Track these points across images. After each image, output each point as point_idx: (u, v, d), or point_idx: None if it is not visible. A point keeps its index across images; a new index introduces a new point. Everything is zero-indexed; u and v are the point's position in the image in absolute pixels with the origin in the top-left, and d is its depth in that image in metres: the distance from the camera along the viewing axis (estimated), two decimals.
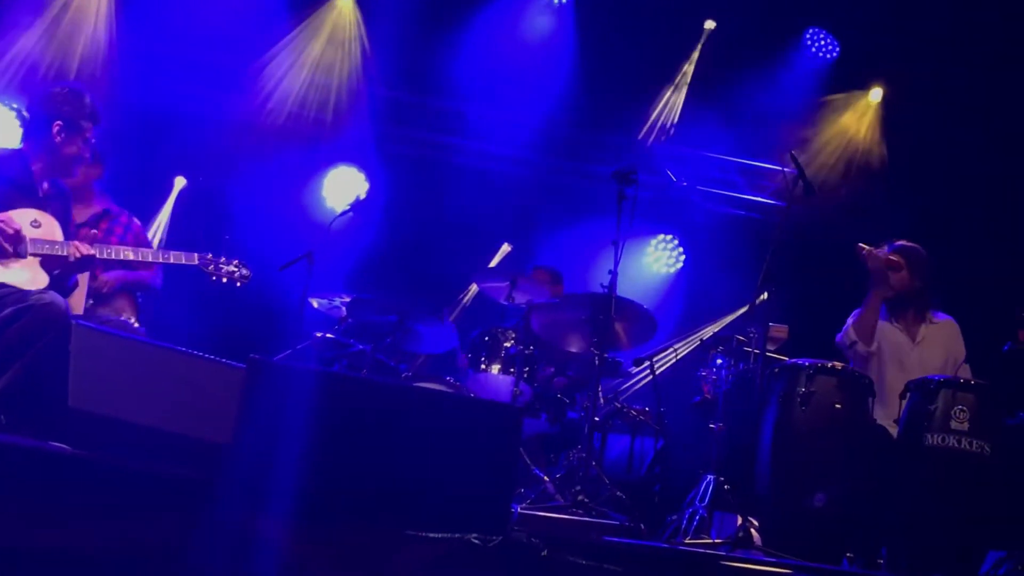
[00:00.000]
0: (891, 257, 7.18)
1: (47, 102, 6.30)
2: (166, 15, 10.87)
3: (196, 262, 6.45)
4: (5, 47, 10.40)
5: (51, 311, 5.61)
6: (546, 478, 7.68)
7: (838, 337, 7.25)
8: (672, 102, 12.10)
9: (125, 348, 5.09)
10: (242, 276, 6.56)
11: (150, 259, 6.47)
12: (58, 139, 6.21)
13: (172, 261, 6.44)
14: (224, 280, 6.51)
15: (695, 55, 12.04)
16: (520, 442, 6.26)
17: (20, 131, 6.41)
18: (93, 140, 6.34)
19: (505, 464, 4.86)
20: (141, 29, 10.97)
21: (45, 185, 6.27)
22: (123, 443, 4.73)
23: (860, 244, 7.08)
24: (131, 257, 6.33)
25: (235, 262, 6.54)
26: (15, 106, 9.29)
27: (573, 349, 8.51)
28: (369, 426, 4.64)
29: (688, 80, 12.07)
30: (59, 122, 6.19)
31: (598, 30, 11.77)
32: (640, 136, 12.04)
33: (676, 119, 12.06)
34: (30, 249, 5.93)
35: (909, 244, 7.27)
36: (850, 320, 7.22)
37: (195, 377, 5.23)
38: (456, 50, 11.34)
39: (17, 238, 5.86)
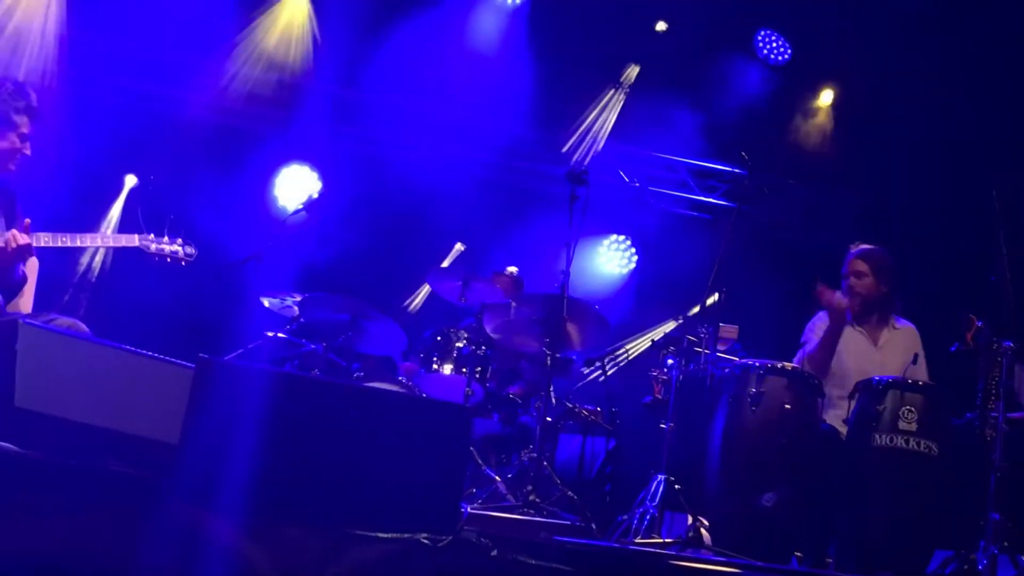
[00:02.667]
0: (857, 269, 7.12)
1: (7, 103, 6.24)
2: (117, 11, 10.78)
3: (136, 243, 6.32)
4: None
5: None
6: (497, 478, 7.69)
7: (795, 360, 7.23)
8: (613, 104, 12.14)
9: (72, 347, 5.04)
10: (187, 255, 6.41)
11: (88, 243, 6.39)
12: (17, 140, 6.17)
13: (112, 244, 6.37)
14: (168, 260, 6.37)
15: (642, 57, 12.09)
16: (470, 442, 6.26)
17: None
18: (27, 133, 6.25)
19: (455, 464, 4.85)
20: (91, 26, 10.88)
21: None
22: (71, 443, 4.69)
23: (821, 285, 6.93)
24: (68, 244, 6.24)
25: (178, 240, 6.42)
26: None
27: (525, 350, 8.51)
28: (320, 426, 4.62)
29: (633, 81, 12.12)
30: (20, 124, 6.14)
31: (552, 30, 11.79)
32: (567, 146, 12.06)
33: (610, 125, 12.10)
34: None
35: (874, 248, 7.20)
36: (806, 340, 7.18)
37: (143, 376, 5.18)
38: (408, 48, 11.32)
39: None
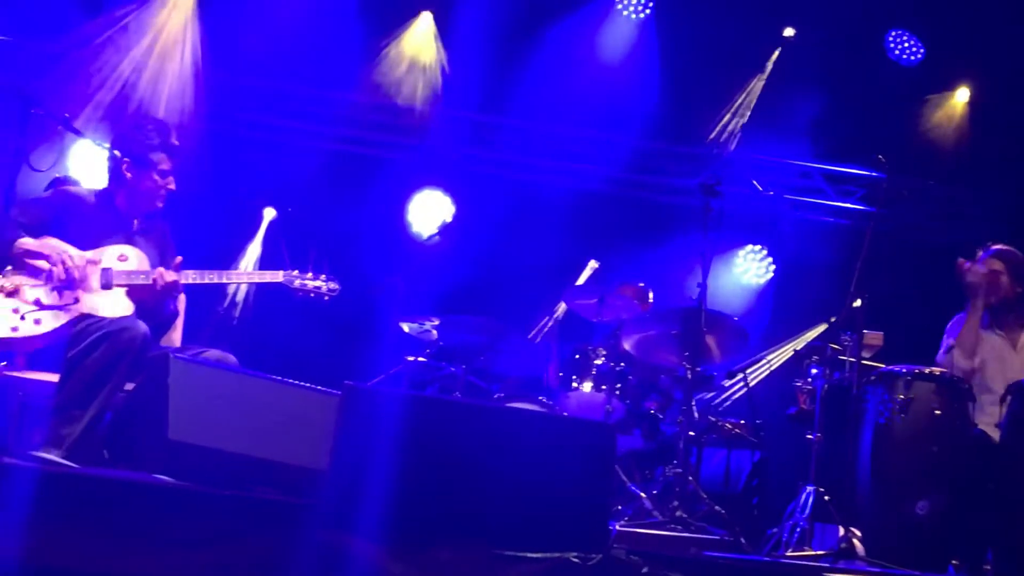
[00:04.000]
0: (993, 268, 7.05)
1: (117, 139, 6.42)
2: (250, 48, 11.03)
3: (280, 279, 6.43)
4: (96, 87, 10.60)
5: (126, 336, 5.72)
6: (643, 495, 7.64)
7: (938, 357, 7.13)
8: (743, 112, 12.03)
9: (220, 379, 5.15)
10: (330, 290, 6.47)
11: (232, 280, 6.51)
12: (128, 175, 6.34)
13: (256, 280, 6.47)
14: (311, 295, 6.45)
15: (773, 61, 11.96)
16: (615, 459, 6.23)
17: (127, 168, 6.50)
18: (167, 170, 6.40)
19: (601, 481, 4.84)
20: (227, 63, 11.14)
21: (136, 220, 6.38)
22: (222, 473, 4.78)
23: (960, 260, 6.93)
24: (215, 280, 6.37)
25: (321, 276, 6.49)
26: (105, 145, 9.44)
27: (664, 364, 8.46)
28: (463, 448, 4.65)
29: (762, 86, 12.00)
30: (127, 159, 6.31)
31: (676, 42, 11.74)
32: (710, 139, 11.96)
33: (741, 134, 11.99)
34: (115, 281, 6.05)
35: (1008, 248, 7.12)
36: (947, 338, 7.10)
37: (290, 405, 5.28)
38: (537, 67, 11.36)
39: (76, 277, 5.96)
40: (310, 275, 6.44)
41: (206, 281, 6.32)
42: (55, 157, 6.13)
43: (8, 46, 10.75)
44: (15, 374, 6.35)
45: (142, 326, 5.84)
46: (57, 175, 8.44)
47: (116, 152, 6.32)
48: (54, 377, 5.82)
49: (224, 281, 6.48)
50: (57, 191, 6.67)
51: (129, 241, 6.24)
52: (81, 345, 5.70)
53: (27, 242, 5.93)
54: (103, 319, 5.84)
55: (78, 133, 6.24)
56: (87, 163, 9.57)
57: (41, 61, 10.57)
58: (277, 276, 6.44)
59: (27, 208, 6.08)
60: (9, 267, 5.91)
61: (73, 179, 8.75)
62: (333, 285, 6.50)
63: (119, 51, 10.81)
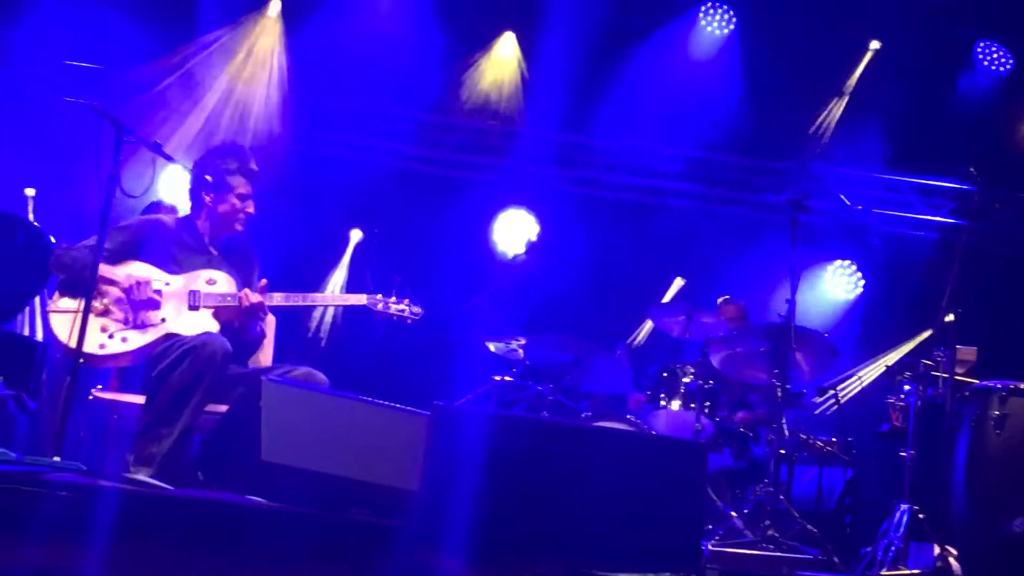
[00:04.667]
0: None
1: (198, 164, 6.55)
2: (336, 70, 11.15)
3: (364, 302, 6.48)
4: (186, 112, 10.78)
5: (207, 351, 5.82)
6: (733, 514, 7.58)
7: None
8: (831, 118, 11.92)
9: (312, 401, 5.20)
10: (413, 314, 6.48)
11: (317, 303, 6.56)
12: (208, 199, 6.45)
13: (340, 303, 6.52)
14: (394, 318, 6.49)
15: (858, 74, 11.85)
16: (707, 478, 6.18)
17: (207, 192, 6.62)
18: (245, 194, 6.49)
19: (693, 501, 4.81)
20: (312, 85, 11.28)
21: (218, 243, 6.49)
22: (314, 493, 4.82)
23: None
24: (300, 303, 6.44)
25: (405, 300, 6.52)
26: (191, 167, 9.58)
27: (753, 382, 8.40)
28: (552, 467, 4.65)
29: (848, 99, 11.90)
30: (206, 183, 6.42)
31: (761, 55, 11.67)
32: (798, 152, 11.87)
33: (829, 135, 11.89)
34: (202, 303, 6.17)
35: None
36: None
37: (379, 425, 5.31)
38: (616, 86, 11.37)
39: (149, 301, 6.08)
40: (394, 299, 6.47)
41: (291, 304, 6.39)
42: (147, 183, 6.21)
43: (99, 74, 10.96)
44: (108, 395, 6.45)
45: (222, 341, 5.94)
46: (151, 200, 8.60)
47: (201, 177, 6.43)
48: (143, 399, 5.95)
49: (309, 304, 6.54)
50: (142, 218, 6.80)
51: (210, 264, 6.34)
52: (164, 363, 5.83)
53: (103, 268, 6.06)
54: (186, 337, 5.95)
55: (169, 158, 6.34)
56: (178, 188, 9.71)
57: (132, 88, 10.76)
58: (361, 299, 6.49)
59: (113, 235, 6.20)
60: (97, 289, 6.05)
61: (167, 204, 8.90)
62: (416, 309, 6.52)
63: (208, 76, 10.98)
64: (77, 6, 10.73)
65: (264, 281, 6.28)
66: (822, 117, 11.96)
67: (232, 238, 6.57)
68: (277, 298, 6.31)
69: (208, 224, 6.52)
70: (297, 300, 6.42)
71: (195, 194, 6.53)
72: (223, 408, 6.06)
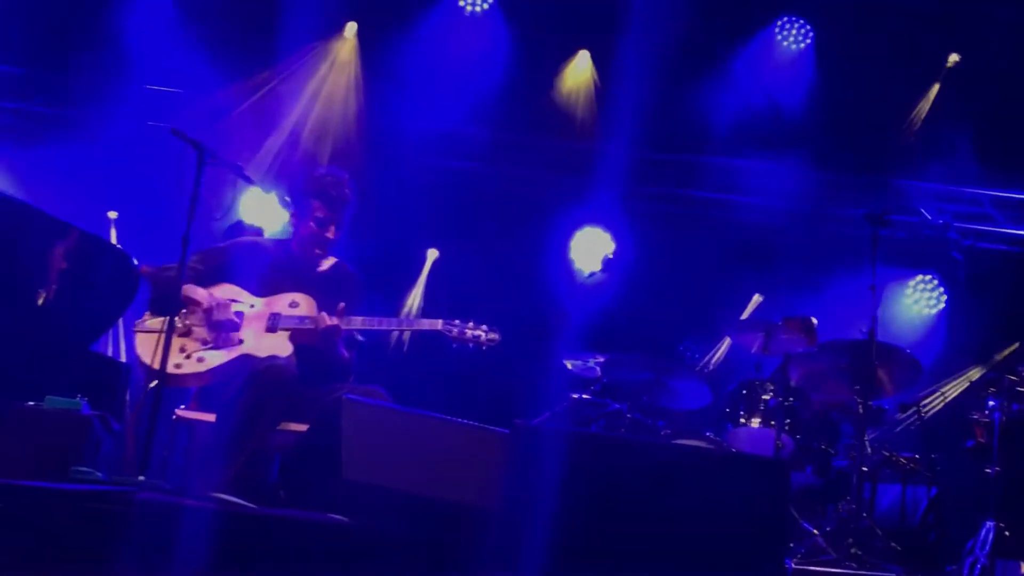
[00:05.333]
0: None
1: (302, 189, 6.61)
2: (412, 90, 11.24)
3: (440, 328, 6.47)
4: (267, 136, 10.91)
5: (272, 373, 5.92)
6: (815, 531, 7.51)
7: None
8: (911, 131, 11.80)
9: (392, 419, 5.23)
10: (488, 340, 6.43)
11: (393, 327, 6.55)
12: (292, 223, 6.54)
13: (416, 328, 6.50)
14: (470, 345, 6.45)
15: (938, 88, 11.72)
16: (790, 496, 6.14)
17: (285, 217, 6.73)
18: (323, 217, 6.54)
19: (776, 519, 4.78)
20: (389, 106, 11.36)
21: (310, 267, 6.56)
22: (395, 511, 4.84)
23: None
24: (377, 327, 6.45)
25: (483, 327, 6.49)
26: (277, 193, 9.70)
27: (835, 398, 8.31)
28: (632, 486, 4.64)
29: (928, 113, 11.76)
30: (290, 207, 6.51)
31: (838, 69, 11.59)
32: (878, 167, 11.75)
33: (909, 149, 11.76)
34: (280, 325, 6.25)
35: None
36: None
37: (458, 443, 5.32)
38: (692, 102, 11.34)
39: (229, 322, 6.15)
40: (471, 324, 6.44)
41: (367, 328, 6.41)
42: (229, 205, 6.33)
43: (182, 98, 11.12)
44: (190, 415, 6.53)
45: (287, 364, 6.04)
46: (233, 222, 8.72)
47: (286, 201, 6.53)
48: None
49: (387, 328, 6.55)
50: (237, 241, 6.90)
51: (301, 288, 6.40)
52: (236, 384, 5.90)
53: (189, 288, 6.15)
54: (257, 359, 6.02)
55: (250, 181, 6.43)
56: (260, 210, 9.84)
57: (214, 112, 10.92)
58: (436, 325, 6.46)
59: (205, 256, 6.31)
60: (183, 310, 6.14)
61: (249, 225, 9.02)
62: (493, 336, 6.46)
63: (288, 100, 11.11)
64: (158, 32, 10.93)
65: (342, 305, 6.31)
66: (903, 131, 11.84)
67: (338, 262, 6.66)
68: (358, 321, 6.35)
69: (298, 248, 6.62)
70: (374, 324, 6.43)
71: (299, 217, 6.64)
72: (302, 427, 6.12)
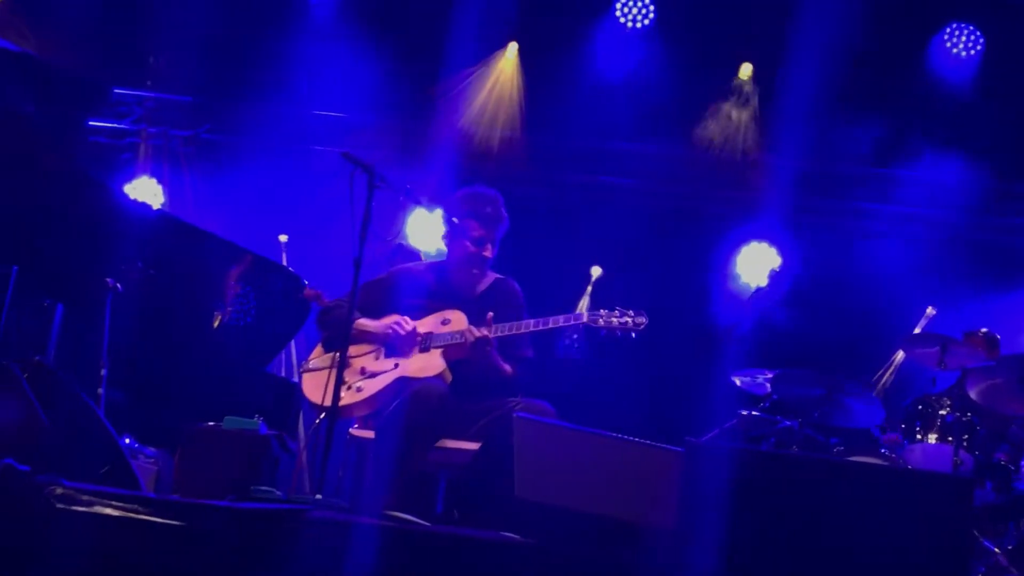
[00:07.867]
0: None
1: (455, 210, 6.66)
2: (572, 105, 11.29)
3: (584, 320, 6.41)
4: (430, 156, 11.06)
5: (421, 394, 6.03)
6: (997, 550, 7.30)
7: None
8: None
9: (563, 437, 5.23)
10: (636, 324, 6.32)
11: (540, 327, 6.45)
12: (447, 243, 6.60)
13: (563, 324, 6.42)
14: (618, 332, 6.34)
15: None
16: (972, 515, 5.97)
17: (446, 236, 6.80)
18: (478, 236, 6.57)
19: (958, 539, 4.63)
20: (550, 123, 11.44)
21: (472, 287, 6.61)
22: (567, 530, 4.84)
23: None
24: (521, 331, 6.42)
25: (629, 312, 6.36)
26: (438, 211, 9.82)
27: (1015, 413, 8.08)
28: (804, 504, 4.57)
29: None
30: (448, 227, 6.57)
31: (1009, 74, 11.28)
32: None
33: None
34: (432, 343, 6.35)
35: None
36: None
37: (629, 461, 5.29)
38: (856, 113, 11.16)
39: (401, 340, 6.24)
40: (617, 311, 6.36)
41: (513, 332, 6.37)
42: (399, 227, 6.43)
43: (347, 122, 11.34)
44: (362, 433, 6.64)
45: (436, 383, 6.13)
46: (398, 244, 8.84)
47: (451, 220, 6.59)
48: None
49: (533, 330, 6.47)
50: (393, 271, 6.97)
51: (455, 306, 6.45)
52: (390, 408, 6.00)
53: (362, 322, 6.27)
54: (413, 380, 6.09)
55: (418, 202, 6.51)
56: (426, 231, 9.96)
57: (380, 134, 11.10)
58: (580, 318, 6.43)
59: (365, 292, 6.41)
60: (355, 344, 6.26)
61: (410, 247, 9.13)
62: (640, 319, 6.35)
63: (450, 120, 11.23)
64: (322, 56, 11.17)
65: (491, 315, 6.33)
66: None
67: (498, 279, 6.70)
68: (504, 328, 6.35)
69: (456, 269, 6.67)
70: (519, 328, 6.40)
71: (454, 238, 6.68)
72: (469, 445, 6.17)
